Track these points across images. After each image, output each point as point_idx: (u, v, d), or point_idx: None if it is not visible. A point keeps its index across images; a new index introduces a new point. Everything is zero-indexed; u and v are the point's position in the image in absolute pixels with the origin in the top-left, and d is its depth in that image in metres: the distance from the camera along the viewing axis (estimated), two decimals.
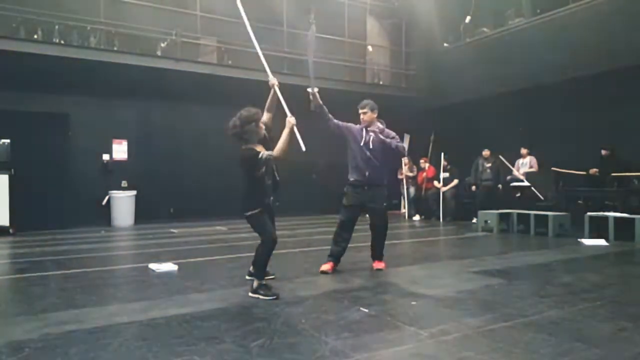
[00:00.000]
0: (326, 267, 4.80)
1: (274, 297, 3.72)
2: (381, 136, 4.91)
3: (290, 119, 3.91)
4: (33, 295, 3.93)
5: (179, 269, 4.97)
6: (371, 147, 4.84)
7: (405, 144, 11.34)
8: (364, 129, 4.94)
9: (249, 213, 3.82)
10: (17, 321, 3.19)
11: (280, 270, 4.88)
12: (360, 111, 4.98)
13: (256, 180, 3.81)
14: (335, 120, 4.94)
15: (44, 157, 8.81)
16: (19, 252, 6.44)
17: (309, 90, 4.66)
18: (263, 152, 3.73)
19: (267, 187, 3.93)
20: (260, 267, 3.88)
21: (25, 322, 3.16)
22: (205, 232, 8.53)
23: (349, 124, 4.99)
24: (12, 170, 8.31)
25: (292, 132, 3.87)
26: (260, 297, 3.74)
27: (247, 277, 4.24)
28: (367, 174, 4.83)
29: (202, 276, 4.67)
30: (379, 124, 5.02)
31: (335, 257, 4.88)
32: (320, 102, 4.74)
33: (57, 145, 9.02)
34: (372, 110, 4.96)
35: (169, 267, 5.01)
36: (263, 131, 3.92)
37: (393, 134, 5.02)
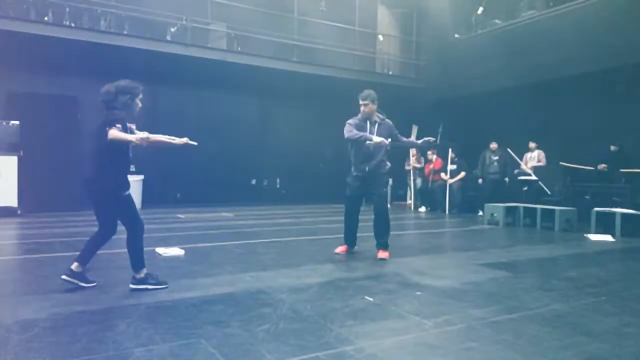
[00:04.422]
0: (339, 249, 5.21)
1: (92, 284, 3.54)
2: (387, 130, 5.02)
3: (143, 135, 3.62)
4: (42, 276, 3.98)
5: (185, 253, 5.01)
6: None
7: (413, 135, 11.32)
8: (368, 122, 4.95)
9: (127, 193, 3.59)
10: (27, 300, 3.24)
11: (286, 258, 4.92)
12: (362, 102, 4.92)
13: (123, 154, 3.57)
14: (353, 131, 4.91)
15: (53, 139, 8.85)
16: (27, 233, 6.52)
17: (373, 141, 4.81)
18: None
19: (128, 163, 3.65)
20: (141, 257, 3.63)
21: (35, 301, 3.20)
22: (212, 217, 8.56)
23: (355, 122, 4.97)
24: (21, 151, 8.36)
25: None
26: (149, 286, 3.54)
27: (65, 278, 3.47)
28: (367, 168, 4.95)
29: (209, 261, 4.71)
30: (378, 115, 5.03)
31: (348, 241, 5.21)
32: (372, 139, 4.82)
33: (65, 127, 9.04)
34: (372, 102, 4.93)
35: (176, 251, 5.05)
36: (139, 108, 3.67)
37: (391, 123, 5.10)
